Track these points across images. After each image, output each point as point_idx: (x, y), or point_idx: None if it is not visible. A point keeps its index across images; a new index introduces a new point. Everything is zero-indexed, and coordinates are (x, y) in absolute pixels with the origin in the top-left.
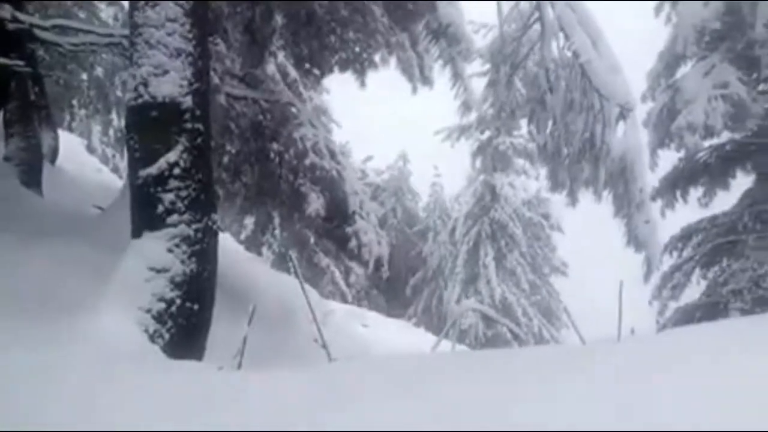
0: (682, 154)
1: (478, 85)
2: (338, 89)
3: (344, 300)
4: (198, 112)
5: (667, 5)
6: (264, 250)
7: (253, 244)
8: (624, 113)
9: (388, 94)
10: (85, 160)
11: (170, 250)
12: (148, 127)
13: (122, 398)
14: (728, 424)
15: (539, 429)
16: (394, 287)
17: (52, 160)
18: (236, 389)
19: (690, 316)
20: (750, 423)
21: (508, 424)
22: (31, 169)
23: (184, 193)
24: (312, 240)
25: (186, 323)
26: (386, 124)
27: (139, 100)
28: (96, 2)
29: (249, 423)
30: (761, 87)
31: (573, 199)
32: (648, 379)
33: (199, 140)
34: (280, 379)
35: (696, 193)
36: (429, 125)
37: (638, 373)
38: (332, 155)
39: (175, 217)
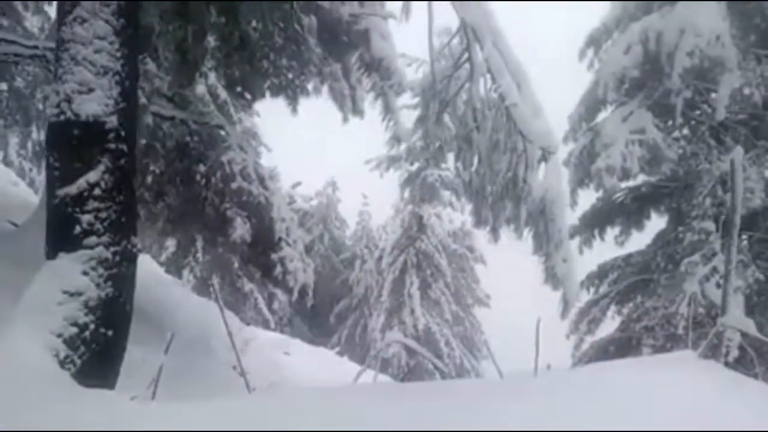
0: (600, 194)
1: (409, 116)
2: (269, 113)
3: (267, 327)
4: (123, 133)
5: (590, 51)
6: (185, 273)
7: (173, 266)
8: (546, 156)
9: (319, 121)
10: (1, 172)
11: (86, 273)
12: (70, 145)
13: (19, 423)
14: None
15: None
16: (319, 315)
17: None
18: (149, 420)
19: (604, 350)
20: None
21: None
22: None
23: (103, 215)
24: (236, 264)
25: (99, 349)
26: (316, 150)
27: (62, 117)
28: (22, 10)
29: None
30: (676, 133)
31: (495, 236)
32: (555, 415)
33: (122, 161)
34: (193, 410)
35: (613, 231)
36: (359, 154)
37: (550, 407)
38: (261, 180)
39: (92, 239)
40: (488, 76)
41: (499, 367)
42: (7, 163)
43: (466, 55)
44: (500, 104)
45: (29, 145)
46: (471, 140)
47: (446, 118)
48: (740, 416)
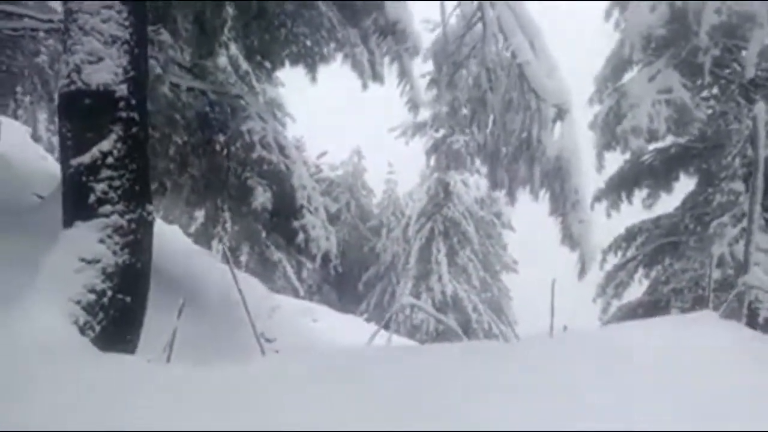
0: (627, 156)
1: (426, 88)
2: (294, 84)
3: (296, 295)
4: (133, 101)
5: (616, 11)
6: (214, 243)
7: (203, 237)
8: (560, 114)
9: (343, 90)
10: (30, 147)
11: (102, 241)
12: (81, 115)
13: (43, 387)
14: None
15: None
16: (347, 283)
17: None
18: (162, 382)
19: (632, 314)
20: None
21: (421, 414)
22: None
23: (117, 183)
24: (263, 234)
25: (118, 315)
26: (342, 120)
27: (72, 87)
28: None
29: (171, 415)
30: (704, 93)
31: (512, 198)
32: (560, 370)
33: (134, 129)
34: (204, 373)
35: (640, 194)
36: (384, 122)
37: (556, 366)
38: (281, 149)
39: (107, 207)
40: (500, 35)
41: (516, 331)
42: (36, 138)
43: (478, 15)
44: (513, 63)
45: (57, 120)
46: (485, 101)
47: (461, 80)
48: (756, 373)
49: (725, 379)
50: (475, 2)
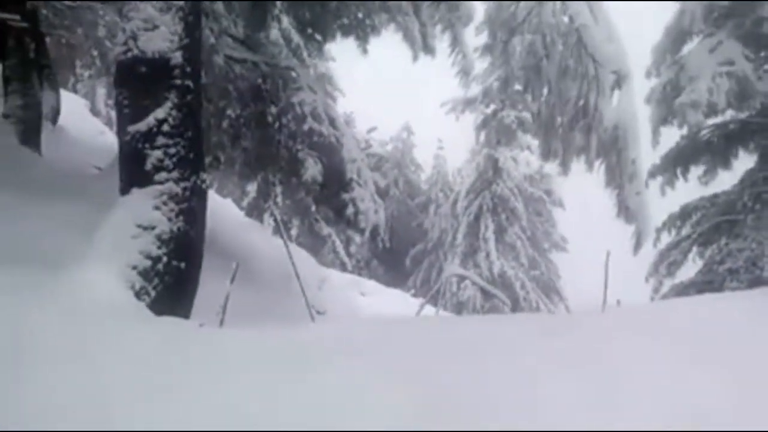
0: (684, 131)
1: (482, 60)
2: (345, 60)
3: (344, 269)
4: (188, 69)
5: None
6: (266, 217)
7: (255, 211)
8: (619, 81)
9: (394, 67)
10: (88, 121)
11: (157, 208)
12: (137, 82)
13: (100, 350)
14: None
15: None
16: (394, 258)
17: (54, 120)
18: (215, 344)
19: (685, 293)
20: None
21: (478, 384)
22: (30, 127)
23: (172, 151)
24: (313, 208)
25: (172, 281)
26: (392, 95)
27: (129, 55)
28: None
29: (223, 377)
30: (767, 66)
31: (565, 168)
32: (617, 345)
33: (188, 97)
34: (255, 337)
35: (697, 171)
36: (434, 97)
37: (610, 340)
38: (331, 121)
39: (162, 175)
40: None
41: (568, 305)
42: (95, 112)
43: None
44: (570, 28)
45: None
46: (540, 69)
47: (516, 49)
48: None
49: None
50: None
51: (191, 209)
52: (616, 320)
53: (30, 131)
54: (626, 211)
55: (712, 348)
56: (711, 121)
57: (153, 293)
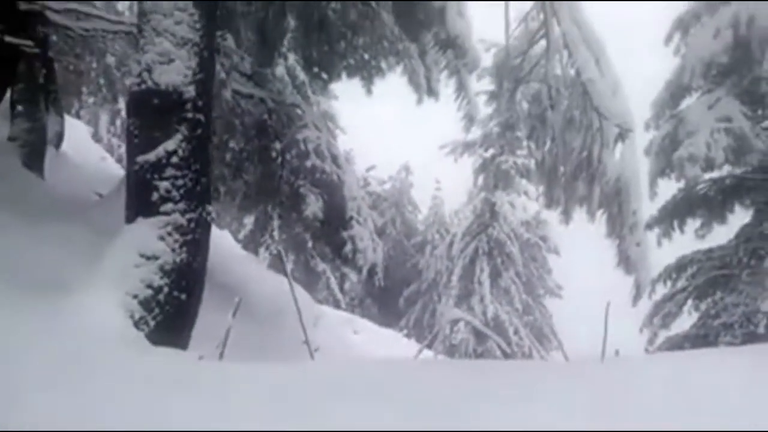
0: (681, 184)
1: (484, 103)
2: (347, 97)
3: (338, 306)
4: (200, 103)
5: (677, 36)
6: (261, 250)
7: (251, 244)
8: (622, 134)
9: (394, 106)
10: (90, 147)
11: (162, 238)
12: (149, 113)
13: (95, 377)
14: None
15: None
16: (388, 297)
17: (57, 145)
18: (214, 378)
19: (679, 346)
20: None
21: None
22: (34, 151)
23: (180, 182)
24: (309, 244)
25: (173, 312)
26: (391, 135)
27: (143, 86)
28: None
29: (223, 410)
30: (765, 123)
31: (567, 217)
32: (620, 396)
33: (199, 131)
34: (257, 372)
35: (693, 224)
36: (433, 139)
37: (613, 392)
38: (334, 159)
39: (169, 206)
40: (564, 52)
41: (566, 352)
42: (97, 139)
43: (542, 31)
44: (576, 81)
45: (118, 122)
46: (545, 118)
47: (519, 98)
48: None
49: None
50: (541, 18)
51: (195, 241)
52: (616, 371)
53: (34, 155)
54: (627, 261)
55: (714, 403)
56: (708, 175)
57: (152, 323)
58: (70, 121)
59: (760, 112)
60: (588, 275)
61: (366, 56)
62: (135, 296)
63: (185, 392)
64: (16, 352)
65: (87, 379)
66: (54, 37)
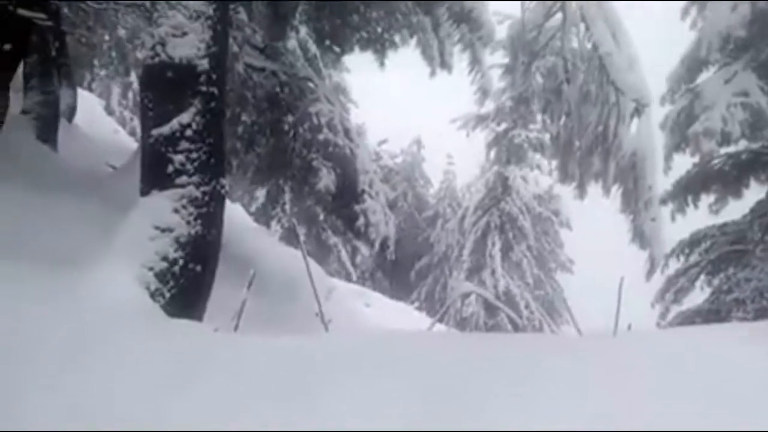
0: (697, 159)
1: (498, 77)
2: (359, 70)
3: (349, 279)
4: (213, 76)
5: (693, 10)
6: (273, 223)
7: (262, 217)
8: (639, 109)
9: (407, 79)
10: (103, 120)
11: (176, 211)
12: (163, 87)
13: (111, 350)
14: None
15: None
16: (399, 271)
17: (70, 118)
18: (231, 350)
19: (691, 321)
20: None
21: (489, 404)
22: (48, 124)
23: (194, 155)
24: (321, 217)
25: (188, 284)
26: (403, 109)
27: (156, 60)
28: None
29: (240, 383)
30: None
31: (582, 192)
32: (633, 371)
33: (212, 104)
34: (275, 344)
35: (707, 199)
36: (446, 113)
37: (627, 368)
38: (346, 133)
39: (183, 178)
40: (581, 25)
41: (579, 327)
42: (110, 112)
43: (558, 4)
44: (593, 54)
45: (130, 94)
46: (560, 92)
47: (534, 71)
48: None
49: None
50: None
51: (210, 214)
52: (629, 346)
53: (47, 128)
54: (641, 236)
55: (729, 379)
56: (724, 150)
57: (168, 295)
58: (82, 94)
59: None
60: (600, 249)
61: (379, 29)
62: (150, 268)
63: (201, 364)
64: (32, 327)
65: (104, 352)
66: (66, 10)
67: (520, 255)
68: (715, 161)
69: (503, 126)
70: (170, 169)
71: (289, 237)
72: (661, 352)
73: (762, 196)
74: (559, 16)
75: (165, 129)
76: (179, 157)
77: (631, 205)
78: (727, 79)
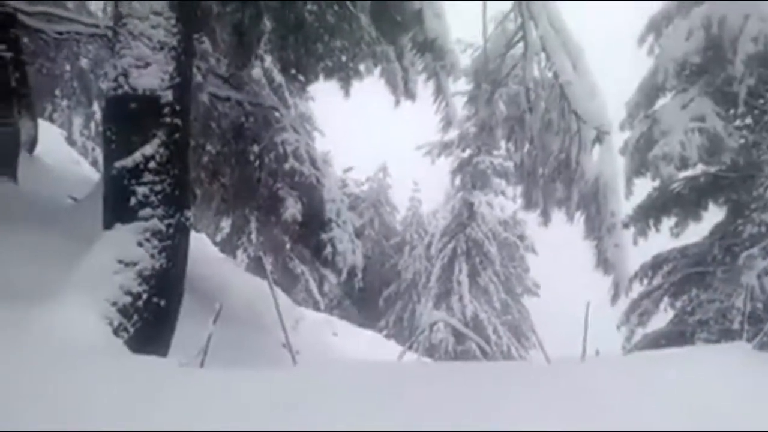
0: (657, 183)
1: (462, 104)
2: (323, 98)
3: (317, 308)
4: (178, 107)
5: (650, 37)
6: (239, 253)
7: (228, 247)
8: (600, 137)
9: (372, 107)
10: (64, 151)
11: (140, 244)
12: (126, 118)
13: (74, 388)
14: None
15: None
16: (367, 298)
17: (30, 150)
18: (196, 386)
19: (656, 343)
20: None
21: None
22: (8, 156)
23: (158, 188)
24: (288, 246)
25: (152, 318)
26: (369, 136)
27: (119, 91)
28: None
29: (205, 419)
30: (737, 122)
31: (546, 219)
32: (603, 397)
33: (176, 135)
34: (241, 379)
35: (668, 222)
36: (411, 140)
37: (596, 391)
38: (312, 161)
39: (147, 211)
40: (542, 54)
41: (547, 353)
42: (71, 142)
43: (520, 34)
44: (554, 83)
45: (92, 125)
46: (523, 121)
47: (497, 100)
48: None
49: (758, 410)
50: (519, 21)
51: (174, 246)
52: (596, 372)
53: (7, 159)
54: (605, 262)
55: (698, 402)
56: (683, 174)
57: (132, 330)
58: (43, 125)
59: (732, 111)
60: (566, 274)
61: (343, 58)
62: (114, 303)
63: (165, 400)
64: None
65: (64, 392)
66: (26, 40)
67: (486, 280)
68: (675, 185)
69: (468, 152)
70: (133, 201)
71: (256, 267)
72: (627, 377)
73: (721, 218)
74: (521, 45)
75: (128, 161)
76: (143, 190)
77: (594, 231)
78: (683, 105)
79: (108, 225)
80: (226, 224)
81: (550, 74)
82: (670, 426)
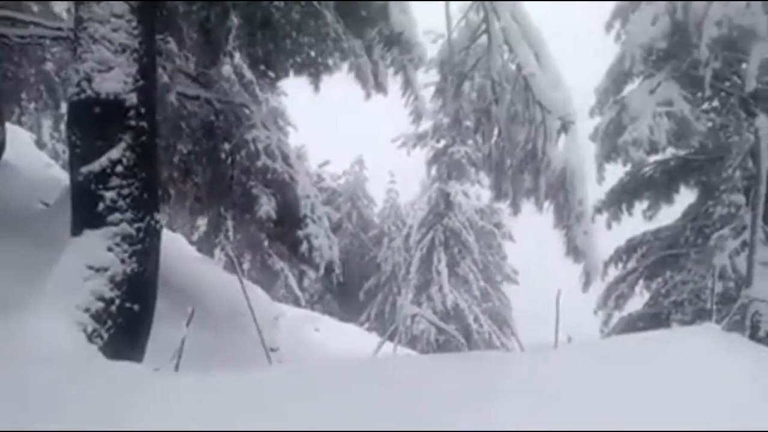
0: (628, 168)
1: (430, 97)
2: (296, 93)
3: (297, 304)
4: (143, 110)
5: (617, 23)
6: (216, 252)
7: (206, 246)
8: (565, 126)
9: (345, 100)
10: (35, 155)
11: (110, 249)
12: (91, 123)
13: (50, 396)
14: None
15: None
16: (348, 292)
17: None
18: (170, 391)
19: (633, 325)
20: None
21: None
22: None
23: (126, 192)
24: (265, 243)
25: (126, 323)
26: (343, 130)
27: (82, 96)
28: None
29: (179, 424)
30: (705, 105)
31: (515, 209)
32: (570, 384)
33: (143, 138)
34: (215, 382)
35: (641, 206)
36: (386, 132)
37: (564, 378)
38: (284, 158)
39: (116, 216)
40: (506, 47)
41: (521, 341)
42: (41, 145)
43: (483, 27)
44: (518, 75)
45: (62, 127)
46: (489, 113)
47: (466, 91)
48: (755, 385)
49: (724, 391)
50: (481, 14)
51: (145, 250)
52: (569, 357)
53: None
54: (575, 250)
55: (663, 385)
56: (653, 158)
57: (106, 336)
58: (11, 128)
59: (699, 94)
60: (545, 260)
61: (312, 54)
62: (86, 310)
63: (138, 406)
64: None
65: (39, 398)
66: None
67: (466, 269)
68: (646, 169)
69: (442, 143)
70: (102, 206)
71: (234, 266)
72: (598, 361)
73: (692, 200)
74: (485, 37)
75: (94, 166)
76: (111, 194)
77: (563, 220)
78: (651, 90)
79: (77, 231)
80: (202, 223)
81: (513, 66)
82: (632, 410)
